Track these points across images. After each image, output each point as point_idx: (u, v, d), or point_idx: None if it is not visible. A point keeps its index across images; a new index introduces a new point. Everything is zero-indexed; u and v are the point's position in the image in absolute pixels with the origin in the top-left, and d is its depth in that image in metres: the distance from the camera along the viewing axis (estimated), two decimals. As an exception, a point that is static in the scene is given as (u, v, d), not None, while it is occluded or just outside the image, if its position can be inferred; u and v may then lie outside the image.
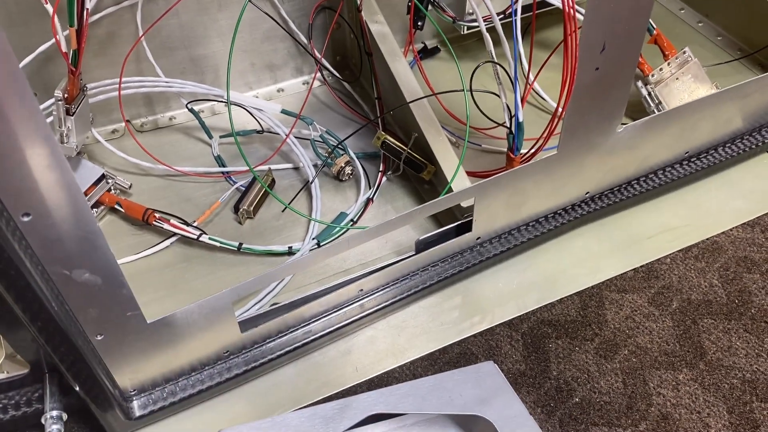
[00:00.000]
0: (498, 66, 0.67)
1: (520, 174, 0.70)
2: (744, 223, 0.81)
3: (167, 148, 0.92)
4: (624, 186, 0.81)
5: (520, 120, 0.67)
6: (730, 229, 0.80)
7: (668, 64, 0.90)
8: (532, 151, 0.71)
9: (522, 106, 0.67)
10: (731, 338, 0.70)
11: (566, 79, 0.60)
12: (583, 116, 0.67)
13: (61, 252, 0.48)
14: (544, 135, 0.68)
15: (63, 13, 0.68)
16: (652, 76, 0.89)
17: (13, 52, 0.37)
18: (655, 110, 0.89)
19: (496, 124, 0.79)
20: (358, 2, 0.85)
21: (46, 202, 0.45)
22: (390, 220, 0.65)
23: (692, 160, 0.84)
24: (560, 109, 0.64)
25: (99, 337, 0.56)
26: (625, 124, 0.73)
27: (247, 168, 0.86)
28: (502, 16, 0.92)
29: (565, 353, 0.70)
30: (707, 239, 0.79)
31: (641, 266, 0.77)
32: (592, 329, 0.71)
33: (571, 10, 0.57)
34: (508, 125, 0.69)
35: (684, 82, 0.89)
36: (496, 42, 0.70)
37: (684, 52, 0.90)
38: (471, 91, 0.71)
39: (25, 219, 0.44)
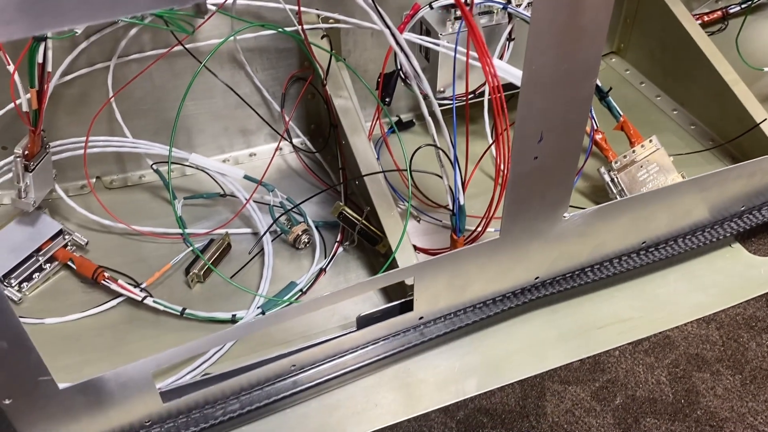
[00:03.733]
0: (440, 150, 0.68)
1: (461, 256, 0.69)
2: (699, 319, 0.79)
3: (133, 206, 0.93)
4: (577, 273, 0.80)
5: (461, 203, 0.67)
6: (684, 324, 0.78)
7: (633, 151, 0.90)
8: (475, 234, 0.71)
9: (464, 189, 0.67)
10: (673, 441, 0.67)
11: (500, 165, 0.60)
12: (524, 203, 0.67)
13: (-38, 316, 0.48)
14: (484, 220, 0.68)
15: (26, 74, 0.71)
16: (616, 162, 0.89)
17: None
18: (618, 197, 0.88)
19: (439, 206, 0.79)
20: (323, 78, 0.87)
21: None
22: (324, 295, 0.65)
23: (650, 250, 0.83)
24: (495, 197, 0.63)
25: (7, 402, 0.55)
26: (575, 207, 0.72)
27: (205, 231, 0.87)
28: (472, 95, 0.93)
29: (498, 445, 0.67)
30: (659, 333, 0.77)
31: (588, 357, 0.75)
32: (529, 421, 0.69)
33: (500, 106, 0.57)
34: (450, 207, 0.69)
35: (648, 171, 0.89)
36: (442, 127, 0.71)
37: (650, 141, 0.91)
38: (410, 171, 0.72)
39: None
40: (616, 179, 0.89)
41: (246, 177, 0.90)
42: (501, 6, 0.88)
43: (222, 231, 0.87)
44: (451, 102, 0.78)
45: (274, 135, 1.02)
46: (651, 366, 0.74)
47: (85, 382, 0.58)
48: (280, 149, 1.01)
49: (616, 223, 0.77)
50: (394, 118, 1.06)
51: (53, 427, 0.60)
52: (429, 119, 0.67)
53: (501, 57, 0.92)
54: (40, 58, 0.70)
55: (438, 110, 0.67)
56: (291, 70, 0.96)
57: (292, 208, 0.87)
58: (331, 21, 0.91)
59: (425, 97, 0.93)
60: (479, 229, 0.70)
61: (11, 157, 0.79)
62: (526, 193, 0.66)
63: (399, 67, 0.91)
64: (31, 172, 0.77)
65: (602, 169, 0.90)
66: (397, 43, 0.66)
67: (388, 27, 0.66)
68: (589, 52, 0.58)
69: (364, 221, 0.83)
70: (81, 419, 0.61)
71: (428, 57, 0.93)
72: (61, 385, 0.57)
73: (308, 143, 1.00)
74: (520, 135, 0.61)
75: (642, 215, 0.79)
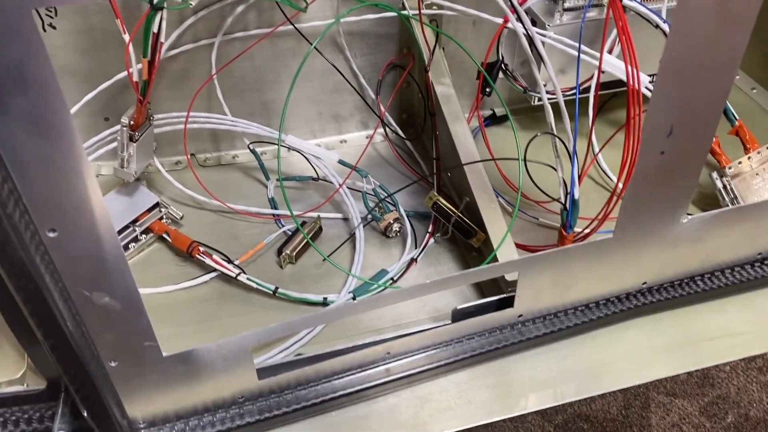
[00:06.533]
0: (557, 139, 0.65)
1: (570, 253, 0.66)
2: (820, 339, 0.73)
3: (226, 184, 0.93)
4: (686, 281, 0.75)
5: (576, 197, 0.64)
6: (803, 344, 0.73)
7: (749, 158, 0.84)
8: (587, 231, 0.68)
9: (579, 183, 0.64)
10: (792, 467, 0.62)
11: (626, 159, 0.57)
12: (644, 201, 0.63)
13: (83, 272, 0.48)
14: (601, 215, 0.65)
15: (139, 44, 0.72)
16: (729, 168, 0.84)
17: (50, 63, 0.37)
18: (730, 205, 0.83)
19: (550, 199, 0.75)
20: (426, 63, 0.85)
21: (74, 220, 0.45)
22: (425, 283, 0.63)
23: (765, 262, 0.78)
24: (618, 191, 0.60)
25: (113, 364, 0.55)
26: (691, 214, 0.68)
27: (297, 213, 0.86)
28: (573, 90, 0.90)
29: (600, 454, 0.64)
30: (775, 351, 0.72)
31: (696, 371, 0.70)
32: (632, 432, 0.65)
33: (638, 87, 0.54)
34: (563, 201, 0.66)
35: (764, 179, 0.84)
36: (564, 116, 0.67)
37: (767, 147, 0.85)
38: (525, 160, 0.69)
39: (51, 235, 0.45)
40: (728, 186, 0.83)
41: (340, 161, 0.89)
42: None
43: (313, 214, 0.86)
44: (552, 97, 0.75)
45: (366, 123, 1.01)
46: (766, 385, 0.69)
47: (188, 351, 0.57)
48: (371, 136, 0.99)
49: (733, 230, 0.72)
50: (488, 112, 1.03)
51: (152, 394, 0.59)
52: (548, 106, 0.64)
53: (610, 51, 0.88)
54: (155, 28, 0.70)
55: (561, 98, 0.64)
56: (389, 57, 0.95)
57: (388, 196, 0.85)
58: (434, 7, 0.89)
59: (525, 90, 0.91)
60: (593, 225, 0.67)
61: (117, 127, 0.80)
62: (647, 190, 0.62)
63: (501, 57, 0.89)
64: (135, 142, 0.78)
65: (714, 175, 0.85)
66: (529, 38, 0.64)
67: (520, 20, 0.64)
68: (734, 40, 0.54)
69: (459, 213, 0.80)
70: (178, 389, 0.60)
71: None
72: (166, 353, 0.56)
73: (400, 132, 0.98)
74: (649, 126, 0.57)
75: (762, 225, 0.74)
